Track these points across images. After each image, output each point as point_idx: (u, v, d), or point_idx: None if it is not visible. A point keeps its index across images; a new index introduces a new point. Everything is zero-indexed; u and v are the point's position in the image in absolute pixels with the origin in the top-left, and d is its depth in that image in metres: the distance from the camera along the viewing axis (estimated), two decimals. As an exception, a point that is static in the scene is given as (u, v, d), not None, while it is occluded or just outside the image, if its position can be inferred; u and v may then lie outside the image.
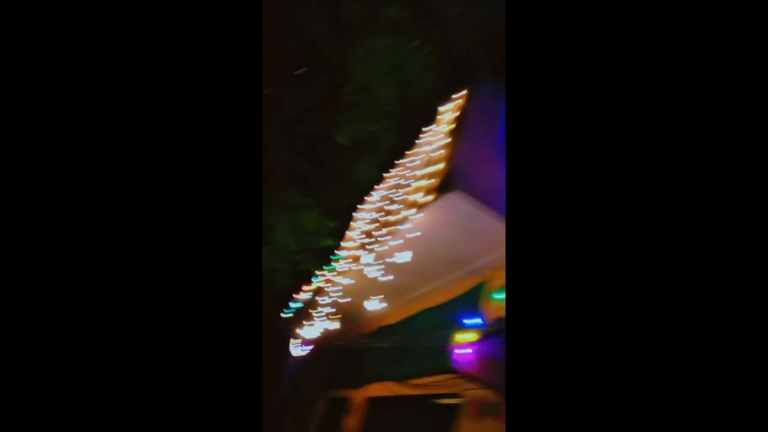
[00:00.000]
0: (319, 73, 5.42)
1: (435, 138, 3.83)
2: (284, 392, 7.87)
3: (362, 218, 5.64)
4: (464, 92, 3.79)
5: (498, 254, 3.08)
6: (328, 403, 5.40)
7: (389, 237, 3.51)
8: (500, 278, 2.99)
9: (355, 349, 5.08)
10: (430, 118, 4.31)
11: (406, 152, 4.74)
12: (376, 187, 5.71)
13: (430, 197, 3.01)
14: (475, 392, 2.62)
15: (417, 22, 4.71)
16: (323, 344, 6.61)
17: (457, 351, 2.31)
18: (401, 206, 3.65)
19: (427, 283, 3.85)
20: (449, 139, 3.42)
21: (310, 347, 6.71)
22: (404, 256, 3.36)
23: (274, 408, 7.76)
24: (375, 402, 4.09)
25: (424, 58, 4.69)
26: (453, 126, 3.52)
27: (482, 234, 3.03)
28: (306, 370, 7.15)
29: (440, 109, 4.08)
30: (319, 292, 5.59)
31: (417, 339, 3.52)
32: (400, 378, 3.55)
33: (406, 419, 3.55)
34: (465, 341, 2.30)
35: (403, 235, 3.31)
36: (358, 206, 6.14)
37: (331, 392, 5.36)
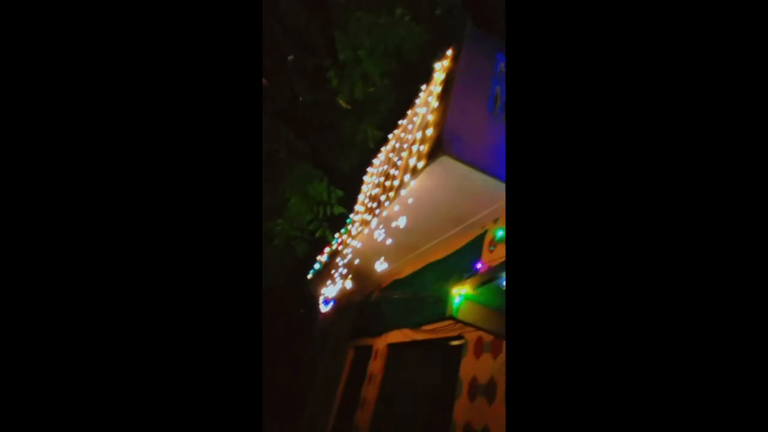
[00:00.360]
0: (306, 57, 5.48)
1: (428, 98, 3.92)
2: (318, 342, 8.68)
3: (369, 181, 5.88)
4: (449, 52, 3.80)
5: (495, 206, 3.30)
6: (354, 350, 6.00)
7: (390, 202, 3.76)
8: (501, 225, 3.24)
9: (373, 302, 5.55)
10: (427, 75, 4.34)
11: (406, 112, 4.83)
12: (381, 149, 5.88)
13: (422, 163, 3.20)
14: (474, 334, 2.98)
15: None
16: (345, 300, 7.17)
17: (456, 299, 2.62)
18: (400, 171, 3.85)
19: (430, 239, 4.14)
20: (437, 103, 3.52)
21: (333, 303, 7.29)
22: (401, 221, 3.63)
23: (312, 354, 8.63)
24: (394, 346, 4.58)
25: (410, 24, 4.64)
26: (441, 88, 3.60)
27: (476, 192, 3.23)
28: (334, 323, 7.81)
29: (435, 66, 4.10)
30: (335, 254, 6.01)
31: (425, 290, 3.88)
32: (414, 325, 3.97)
33: (421, 360, 4.02)
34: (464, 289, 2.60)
35: (403, 200, 3.55)
36: (367, 169, 6.36)
37: (356, 341, 5.94)
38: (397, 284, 4.95)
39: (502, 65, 3.60)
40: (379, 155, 5.76)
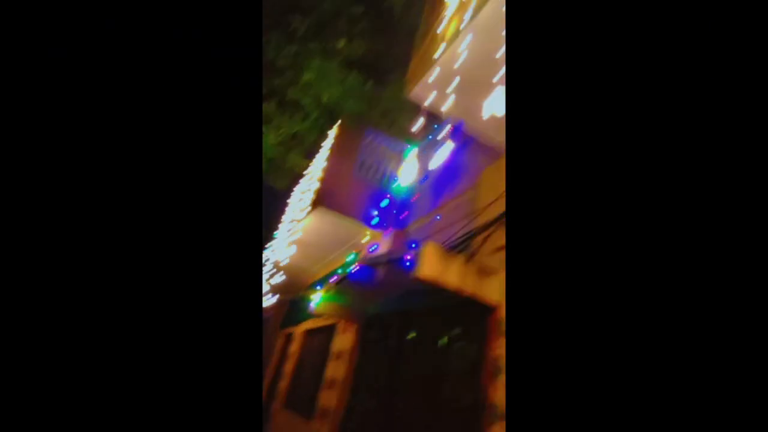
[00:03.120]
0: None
1: (322, 158, 5.52)
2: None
3: (293, 203, 7.43)
4: (337, 124, 5.41)
5: (356, 240, 4.98)
6: (282, 338, 7.61)
7: (290, 233, 5.37)
8: (363, 251, 4.92)
9: (295, 299, 7.16)
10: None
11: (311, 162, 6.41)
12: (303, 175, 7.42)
13: (309, 208, 4.81)
14: (341, 321, 4.67)
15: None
16: (277, 296, 8.72)
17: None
18: (302, 208, 5.45)
19: (325, 257, 5.81)
20: (324, 164, 5.13)
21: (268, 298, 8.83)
22: (291, 251, 5.28)
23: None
24: (306, 332, 6.22)
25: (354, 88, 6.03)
26: (328, 153, 5.21)
27: (345, 228, 4.89)
28: (269, 317, 9.37)
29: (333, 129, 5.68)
30: (266, 261, 7.53)
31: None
32: (313, 317, 5.62)
33: (316, 339, 5.70)
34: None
35: (297, 231, 5.17)
36: (291, 191, 7.89)
37: (283, 330, 7.54)
38: (312, 285, 6.59)
39: (371, 139, 5.27)
40: (296, 187, 7.31)
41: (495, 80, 1.83)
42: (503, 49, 1.91)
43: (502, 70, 1.86)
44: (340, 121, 5.37)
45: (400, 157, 5.46)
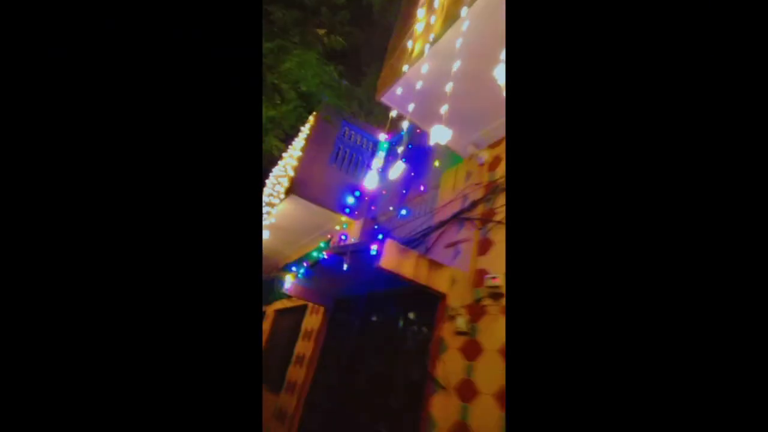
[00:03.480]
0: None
1: (298, 146, 5.69)
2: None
3: (269, 187, 7.57)
4: (312, 116, 5.58)
5: (328, 227, 5.25)
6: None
7: (266, 217, 5.58)
8: (335, 238, 5.20)
9: (268, 279, 7.40)
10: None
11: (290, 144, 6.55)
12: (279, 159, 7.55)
13: (282, 197, 5.03)
14: (310, 304, 4.97)
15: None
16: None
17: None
18: (277, 193, 5.65)
19: (298, 240, 6.06)
20: (299, 153, 5.33)
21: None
22: (265, 234, 5.50)
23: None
24: (278, 312, 6.51)
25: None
26: (303, 143, 5.40)
27: (318, 216, 5.15)
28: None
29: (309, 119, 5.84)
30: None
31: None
32: (287, 297, 5.90)
33: (287, 319, 6.00)
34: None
35: (272, 216, 5.38)
36: (269, 172, 8.00)
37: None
38: (286, 266, 6.84)
39: (347, 129, 5.48)
40: (273, 170, 7.45)
41: (442, 111, 2.11)
42: (450, 84, 2.20)
43: (446, 106, 2.15)
44: (316, 112, 5.54)
45: (374, 149, 5.72)
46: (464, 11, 2.15)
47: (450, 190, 3.28)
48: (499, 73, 1.75)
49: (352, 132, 5.64)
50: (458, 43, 2.17)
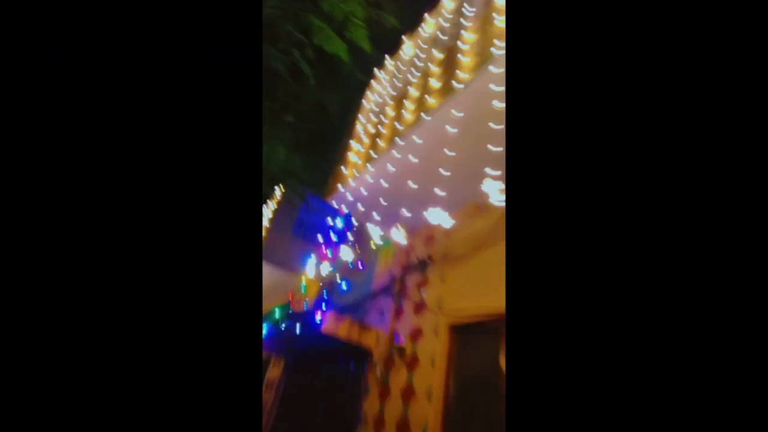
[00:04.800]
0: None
1: (264, 218, 6.62)
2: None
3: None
4: (280, 193, 6.59)
5: (287, 289, 6.08)
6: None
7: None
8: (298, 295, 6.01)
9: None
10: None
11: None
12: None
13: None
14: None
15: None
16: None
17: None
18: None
19: (266, 297, 6.81)
20: (267, 224, 6.25)
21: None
22: None
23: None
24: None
25: None
26: (271, 213, 6.35)
27: (283, 279, 6.00)
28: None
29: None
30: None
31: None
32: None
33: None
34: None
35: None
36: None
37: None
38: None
39: (309, 201, 6.51)
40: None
41: (378, 219, 3.17)
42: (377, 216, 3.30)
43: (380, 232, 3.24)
44: (281, 188, 6.55)
45: (334, 217, 6.72)
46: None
47: (385, 266, 4.30)
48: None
49: (315, 203, 6.66)
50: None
